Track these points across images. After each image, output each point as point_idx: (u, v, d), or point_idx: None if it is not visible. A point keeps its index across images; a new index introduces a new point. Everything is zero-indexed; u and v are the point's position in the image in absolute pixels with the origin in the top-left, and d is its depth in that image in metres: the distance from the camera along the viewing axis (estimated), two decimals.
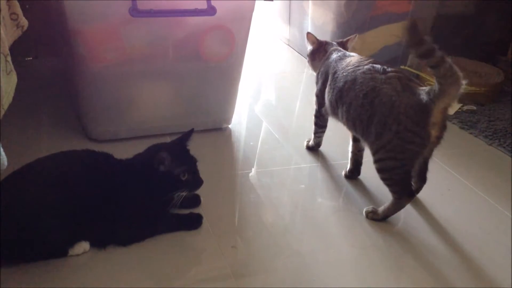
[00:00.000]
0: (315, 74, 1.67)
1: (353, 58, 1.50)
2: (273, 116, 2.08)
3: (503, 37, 2.58)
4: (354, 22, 2.42)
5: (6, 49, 1.05)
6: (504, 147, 1.89)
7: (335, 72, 1.49)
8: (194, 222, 1.32)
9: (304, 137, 1.80)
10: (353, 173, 1.61)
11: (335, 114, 1.52)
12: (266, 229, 1.37)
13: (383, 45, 2.52)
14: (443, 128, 1.32)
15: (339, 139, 1.75)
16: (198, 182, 1.28)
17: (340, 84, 1.44)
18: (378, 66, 1.38)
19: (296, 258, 1.27)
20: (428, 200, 1.53)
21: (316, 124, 1.70)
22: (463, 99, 2.24)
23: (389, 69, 1.36)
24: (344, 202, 1.51)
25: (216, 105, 1.82)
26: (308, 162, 1.72)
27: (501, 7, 2.57)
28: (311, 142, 1.76)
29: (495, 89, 2.32)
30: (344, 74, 1.44)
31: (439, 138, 1.32)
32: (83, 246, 1.19)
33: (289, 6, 2.83)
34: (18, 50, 1.23)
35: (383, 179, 1.39)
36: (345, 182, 1.61)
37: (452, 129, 2.04)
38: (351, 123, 1.43)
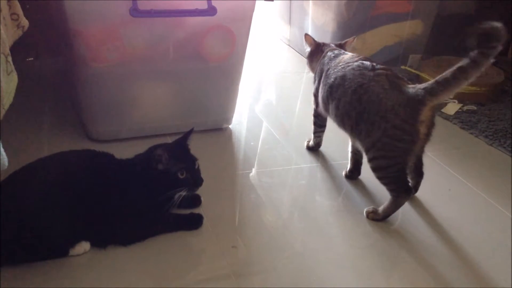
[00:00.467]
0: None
1: (345, 56, 1.52)
2: (274, 116, 2.08)
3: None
4: (354, 22, 2.43)
5: (6, 49, 1.05)
6: (504, 147, 1.89)
7: (327, 70, 1.52)
8: (194, 222, 1.33)
9: (305, 137, 1.80)
10: (353, 173, 1.62)
11: (326, 111, 1.54)
12: (266, 229, 1.37)
13: (383, 45, 2.53)
14: (431, 125, 1.33)
15: (339, 139, 1.75)
16: (198, 181, 1.27)
17: (331, 80, 1.46)
18: (368, 63, 1.40)
19: (296, 258, 1.27)
20: (428, 200, 1.54)
21: (315, 123, 1.70)
22: (463, 99, 2.24)
23: (378, 66, 1.38)
24: (344, 202, 1.51)
25: (217, 105, 1.82)
26: (308, 162, 1.72)
27: (501, 7, 2.57)
28: (311, 142, 1.77)
29: (496, 89, 2.32)
30: (335, 70, 1.46)
31: (427, 135, 1.34)
32: (84, 246, 1.19)
33: (290, 6, 2.83)
34: (18, 50, 1.23)
35: (378, 178, 1.39)
36: (345, 182, 1.61)
37: (453, 129, 2.04)
38: (340, 119, 1.44)
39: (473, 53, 1.20)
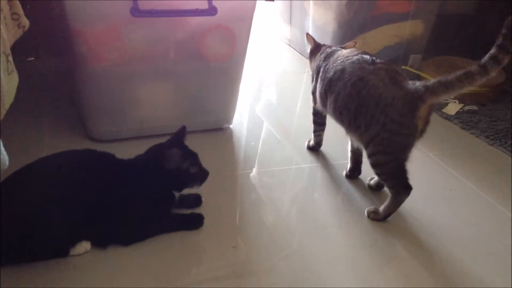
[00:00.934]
0: None
1: (344, 51, 1.53)
2: (274, 116, 2.08)
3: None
4: (355, 22, 2.42)
5: (7, 49, 1.05)
6: (505, 147, 1.89)
7: (325, 65, 1.52)
8: (195, 222, 1.33)
9: (305, 137, 1.80)
10: (354, 172, 1.62)
11: (324, 106, 1.53)
12: (267, 229, 1.37)
13: (384, 45, 2.52)
14: (427, 122, 1.34)
15: (339, 139, 1.74)
16: (205, 173, 1.32)
17: (330, 74, 1.46)
18: (367, 57, 1.40)
19: (297, 258, 1.27)
20: (429, 200, 1.54)
21: (314, 122, 1.70)
22: (464, 99, 2.24)
23: (378, 61, 1.38)
24: (344, 202, 1.51)
25: (217, 105, 1.82)
26: (308, 162, 1.72)
27: (502, 7, 2.57)
28: (311, 142, 1.76)
29: (496, 89, 2.31)
30: (334, 64, 1.46)
31: (422, 132, 1.34)
32: (84, 246, 1.19)
33: (290, 6, 2.83)
34: (19, 50, 1.23)
35: (377, 174, 1.40)
36: (345, 182, 1.61)
37: (453, 129, 2.04)
38: (338, 112, 1.44)
39: (484, 59, 1.19)
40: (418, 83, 1.30)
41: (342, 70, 1.41)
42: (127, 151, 1.31)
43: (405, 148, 1.33)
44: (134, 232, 1.24)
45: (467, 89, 1.23)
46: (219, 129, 1.87)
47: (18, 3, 1.13)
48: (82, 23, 1.47)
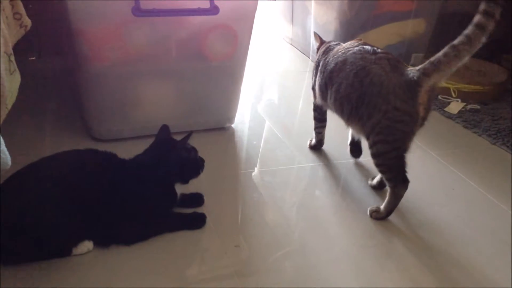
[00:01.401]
0: None
1: (344, 44, 1.53)
2: (276, 115, 2.08)
3: (507, 36, 2.57)
4: (357, 21, 2.42)
5: (9, 49, 1.05)
6: (507, 146, 1.89)
7: (325, 58, 1.53)
8: (197, 222, 1.32)
9: (307, 136, 1.80)
10: (354, 152, 1.69)
11: (324, 99, 1.53)
12: (269, 228, 1.37)
13: (386, 44, 2.52)
14: (428, 109, 1.34)
15: (341, 138, 1.75)
16: (203, 161, 1.37)
17: (331, 66, 1.47)
18: (368, 47, 1.41)
19: (299, 257, 1.27)
20: (432, 199, 1.53)
21: (315, 118, 1.70)
22: (466, 98, 2.24)
23: (379, 50, 1.39)
24: (347, 202, 1.51)
25: (219, 104, 1.82)
26: (310, 161, 1.71)
27: (505, 6, 2.56)
28: (313, 141, 1.76)
29: (499, 88, 2.31)
30: (335, 57, 1.47)
31: (424, 119, 1.34)
32: (87, 245, 1.19)
33: (292, 5, 2.83)
34: (21, 49, 1.23)
35: (377, 165, 1.40)
36: (347, 181, 1.61)
37: (456, 128, 2.04)
38: (339, 103, 1.44)
39: (467, 30, 1.21)
40: (414, 68, 1.31)
41: (344, 61, 1.42)
42: (129, 151, 1.31)
43: (406, 137, 1.33)
44: (136, 231, 1.24)
45: (457, 64, 1.23)
46: (221, 129, 1.87)
47: (20, 2, 1.13)
48: (83, 23, 1.47)
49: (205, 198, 1.41)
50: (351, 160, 1.71)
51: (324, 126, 1.72)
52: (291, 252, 1.28)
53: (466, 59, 1.22)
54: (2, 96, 0.99)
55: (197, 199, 1.40)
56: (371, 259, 1.28)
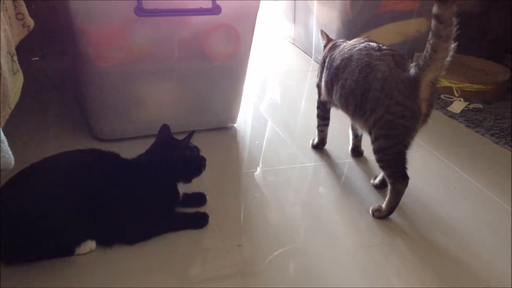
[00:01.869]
0: None
1: (350, 41, 1.54)
2: (278, 115, 2.08)
3: (510, 35, 2.57)
4: (359, 20, 2.42)
5: (12, 49, 1.05)
6: (510, 145, 1.88)
7: (331, 55, 1.54)
8: (200, 221, 1.33)
9: (309, 135, 1.80)
10: (355, 151, 1.70)
11: (329, 96, 1.54)
12: (272, 227, 1.37)
13: (388, 43, 2.49)
14: (430, 105, 1.34)
15: (344, 138, 1.75)
16: (205, 159, 1.38)
17: (337, 62, 1.48)
18: (374, 44, 1.44)
19: (301, 257, 1.27)
20: (434, 199, 1.53)
21: (318, 115, 1.70)
22: (469, 97, 2.23)
23: (384, 47, 1.41)
24: (349, 201, 1.51)
25: (222, 104, 1.82)
26: (313, 161, 1.71)
27: (508, 5, 2.56)
28: (316, 140, 1.76)
29: (502, 87, 2.30)
30: (341, 53, 1.49)
31: (426, 116, 1.35)
32: (90, 245, 1.19)
33: (294, 5, 2.83)
34: (24, 49, 1.23)
35: (378, 161, 1.40)
36: (350, 181, 1.61)
37: (459, 127, 2.04)
38: (344, 99, 1.45)
39: (433, 24, 1.23)
40: (412, 65, 1.32)
41: (349, 58, 1.44)
42: (132, 150, 1.32)
43: (408, 133, 1.34)
44: (139, 231, 1.24)
45: (446, 52, 1.25)
46: (223, 128, 1.87)
47: (22, 3, 1.13)
48: (86, 23, 1.48)
49: (207, 197, 1.41)
50: (353, 159, 1.71)
51: (327, 125, 1.72)
52: (294, 251, 1.28)
53: (450, 51, 1.25)
54: (5, 96, 0.99)
55: (199, 198, 1.40)
56: (374, 258, 1.28)
